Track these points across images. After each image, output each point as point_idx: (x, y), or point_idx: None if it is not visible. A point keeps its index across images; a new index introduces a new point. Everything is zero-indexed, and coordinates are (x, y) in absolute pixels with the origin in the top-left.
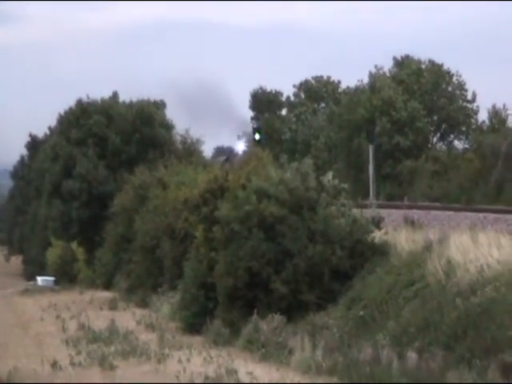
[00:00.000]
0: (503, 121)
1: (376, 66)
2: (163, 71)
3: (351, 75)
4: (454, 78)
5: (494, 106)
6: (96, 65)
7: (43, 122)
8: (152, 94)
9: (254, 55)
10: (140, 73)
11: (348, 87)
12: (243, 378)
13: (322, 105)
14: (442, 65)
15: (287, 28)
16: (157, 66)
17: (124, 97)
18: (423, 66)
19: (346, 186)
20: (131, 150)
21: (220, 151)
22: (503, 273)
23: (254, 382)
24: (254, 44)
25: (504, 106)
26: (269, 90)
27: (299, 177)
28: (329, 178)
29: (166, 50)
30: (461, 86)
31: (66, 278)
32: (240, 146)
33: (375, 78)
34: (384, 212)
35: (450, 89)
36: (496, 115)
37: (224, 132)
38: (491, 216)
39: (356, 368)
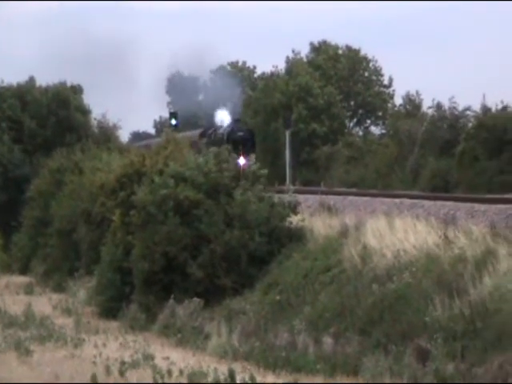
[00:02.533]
0: (418, 106)
1: (293, 51)
2: None
3: (267, 61)
4: (371, 64)
5: (408, 92)
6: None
7: None
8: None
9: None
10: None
11: (264, 73)
12: (160, 363)
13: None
14: (358, 50)
15: (200, 12)
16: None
17: (41, 81)
18: (340, 52)
19: (265, 171)
20: (47, 133)
21: (136, 136)
22: (419, 258)
23: (172, 367)
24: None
25: (417, 92)
26: (185, 74)
27: (215, 161)
28: (250, 162)
29: None
30: (377, 72)
31: None
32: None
33: (292, 64)
34: (301, 197)
35: (366, 74)
36: (410, 101)
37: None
38: (407, 201)
39: (272, 353)
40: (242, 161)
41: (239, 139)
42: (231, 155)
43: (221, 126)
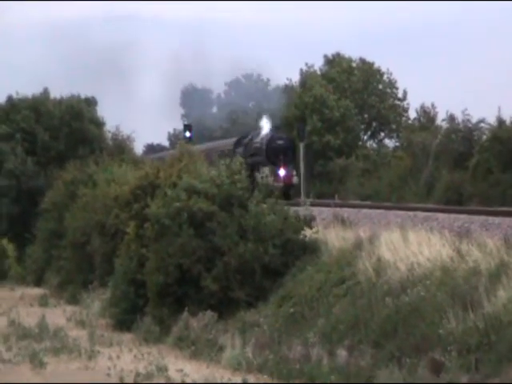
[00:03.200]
0: (432, 119)
1: (307, 64)
2: None
3: (282, 73)
4: (385, 76)
5: (422, 105)
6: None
7: None
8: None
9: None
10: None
11: (278, 85)
12: (173, 375)
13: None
14: (372, 63)
15: (214, 24)
16: None
17: (55, 93)
18: (354, 65)
19: (280, 185)
20: (60, 145)
21: (151, 149)
22: (433, 271)
23: (185, 379)
24: (185, 39)
25: (432, 104)
26: (199, 87)
27: (227, 173)
28: (263, 175)
29: None
30: (391, 84)
31: None
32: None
33: (306, 76)
34: (315, 210)
35: (380, 87)
36: (425, 113)
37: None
38: (421, 214)
39: (286, 365)
40: (282, 172)
41: (279, 148)
42: (270, 167)
43: (258, 134)
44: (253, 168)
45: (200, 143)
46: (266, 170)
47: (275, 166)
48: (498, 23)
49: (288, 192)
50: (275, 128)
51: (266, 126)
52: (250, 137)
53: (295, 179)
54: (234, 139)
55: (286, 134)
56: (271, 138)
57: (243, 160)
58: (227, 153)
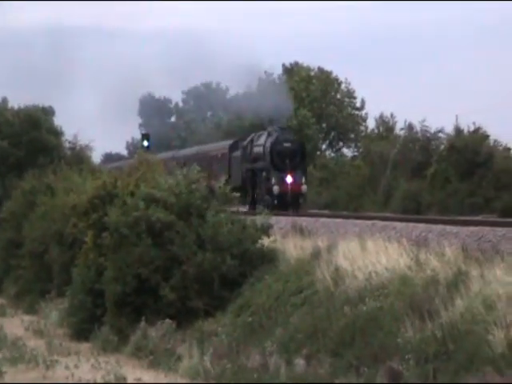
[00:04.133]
0: (391, 128)
1: (265, 73)
2: None
3: (241, 82)
4: (343, 86)
5: (381, 114)
6: None
7: None
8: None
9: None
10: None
11: (237, 93)
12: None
13: (210, 112)
14: (330, 72)
15: (175, 32)
16: None
17: (14, 102)
18: (312, 74)
19: (237, 194)
20: (19, 153)
21: (109, 157)
22: (391, 280)
23: None
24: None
25: (391, 114)
26: (157, 96)
27: (185, 182)
28: (220, 184)
29: None
30: (350, 94)
31: None
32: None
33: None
34: (273, 219)
35: (338, 96)
36: (383, 123)
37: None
38: (379, 223)
39: (244, 374)
40: (289, 179)
41: (286, 152)
42: (274, 173)
43: (260, 136)
44: (254, 175)
45: (159, 152)
46: (222, 179)
47: (281, 172)
48: (458, 35)
49: (296, 201)
50: (281, 129)
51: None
52: (249, 139)
53: (304, 187)
54: (228, 142)
55: (293, 136)
56: (276, 141)
57: (242, 165)
58: (221, 157)
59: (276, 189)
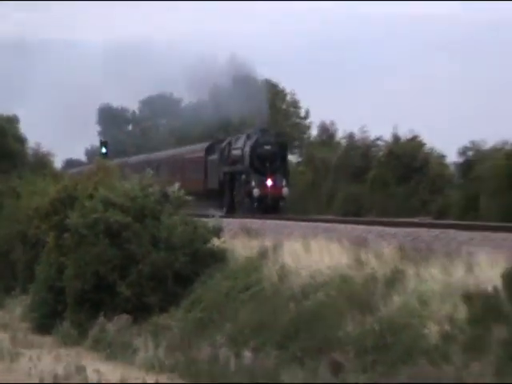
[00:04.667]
0: (332, 135)
1: (215, 84)
2: None
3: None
4: (289, 97)
5: (322, 122)
6: None
7: None
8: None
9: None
10: None
11: (190, 102)
12: (91, 375)
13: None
14: (277, 84)
15: (130, 45)
16: None
17: None
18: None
19: (189, 198)
20: None
21: (69, 163)
22: (333, 278)
23: (102, 378)
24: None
25: (332, 122)
26: (115, 106)
27: (140, 187)
28: (173, 189)
29: None
30: (295, 104)
31: None
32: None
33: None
34: (223, 221)
35: (284, 106)
36: (324, 130)
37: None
38: (322, 225)
39: (195, 366)
40: (269, 182)
41: (266, 154)
42: (254, 176)
43: (238, 139)
44: (233, 178)
45: (115, 158)
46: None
47: (261, 175)
48: (395, 51)
49: (277, 205)
50: (261, 131)
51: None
52: (227, 142)
53: (285, 190)
54: (204, 145)
55: (274, 138)
56: (256, 143)
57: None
58: (196, 160)
59: (256, 192)
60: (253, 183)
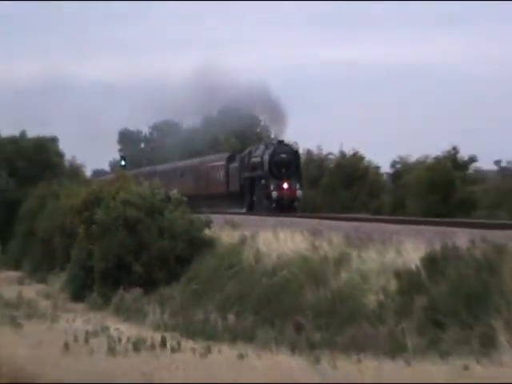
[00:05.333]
0: None
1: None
2: None
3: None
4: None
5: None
6: None
7: None
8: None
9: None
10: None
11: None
12: (113, 332)
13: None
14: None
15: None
16: None
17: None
18: None
19: (185, 199)
20: (34, 170)
21: (96, 173)
22: (296, 258)
23: (121, 335)
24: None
25: (295, 141)
26: (131, 129)
27: (150, 189)
28: (174, 192)
29: None
30: (266, 128)
31: None
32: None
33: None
34: (213, 217)
35: (258, 130)
36: None
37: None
38: (287, 220)
39: (192, 326)
40: (285, 185)
41: (282, 162)
42: (273, 180)
43: (257, 149)
44: (252, 182)
45: (132, 169)
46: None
47: (278, 179)
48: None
49: (291, 205)
50: (278, 142)
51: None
52: (247, 151)
53: (299, 192)
54: (224, 155)
55: (289, 148)
56: (274, 152)
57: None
58: (218, 167)
59: (274, 194)
60: (271, 186)
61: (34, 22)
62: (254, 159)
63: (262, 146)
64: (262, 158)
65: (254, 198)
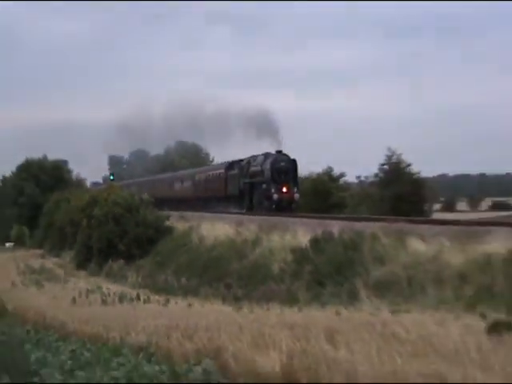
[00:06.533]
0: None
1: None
2: None
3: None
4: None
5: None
6: None
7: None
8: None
9: None
10: None
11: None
12: (105, 290)
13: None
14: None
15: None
16: None
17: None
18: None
19: (153, 200)
20: (51, 182)
21: (95, 183)
22: (226, 240)
23: (110, 291)
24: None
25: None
26: (117, 155)
27: (129, 194)
28: (145, 196)
29: None
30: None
31: (19, 244)
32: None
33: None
34: (171, 213)
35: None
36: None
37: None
38: (219, 215)
39: (157, 285)
40: (284, 189)
41: (282, 169)
42: (274, 185)
43: (255, 159)
44: (252, 187)
45: (119, 182)
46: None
47: (278, 184)
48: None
49: (289, 206)
50: (277, 152)
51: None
52: (246, 161)
53: (296, 196)
54: (223, 164)
55: (287, 157)
56: (275, 161)
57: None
58: (218, 175)
59: (275, 196)
60: (272, 190)
61: None
62: (253, 168)
63: (261, 157)
64: (261, 166)
65: (254, 201)
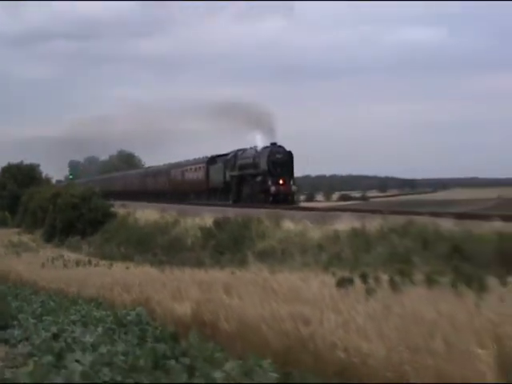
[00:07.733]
0: None
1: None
2: None
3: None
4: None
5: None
6: None
7: None
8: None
9: None
10: None
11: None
12: (66, 257)
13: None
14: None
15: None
16: None
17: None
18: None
19: (102, 192)
20: (27, 180)
21: (59, 181)
22: (154, 222)
23: (70, 259)
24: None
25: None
26: (76, 159)
27: (84, 189)
28: (98, 189)
29: None
30: None
31: (3, 225)
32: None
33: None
34: (117, 203)
35: None
36: None
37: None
38: (151, 204)
39: (104, 254)
40: (281, 182)
41: (278, 162)
42: (270, 178)
43: (244, 151)
44: (241, 180)
45: (78, 180)
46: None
47: (275, 176)
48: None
49: (286, 198)
50: (272, 144)
51: (258, 142)
52: (232, 154)
53: (293, 188)
54: (204, 159)
55: (283, 149)
56: (271, 153)
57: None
58: (197, 169)
59: (273, 189)
60: (269, 183)
61: None
62: (241, 161)
63: (251, 149)
64: (254, 158)
65: (244, 193)
